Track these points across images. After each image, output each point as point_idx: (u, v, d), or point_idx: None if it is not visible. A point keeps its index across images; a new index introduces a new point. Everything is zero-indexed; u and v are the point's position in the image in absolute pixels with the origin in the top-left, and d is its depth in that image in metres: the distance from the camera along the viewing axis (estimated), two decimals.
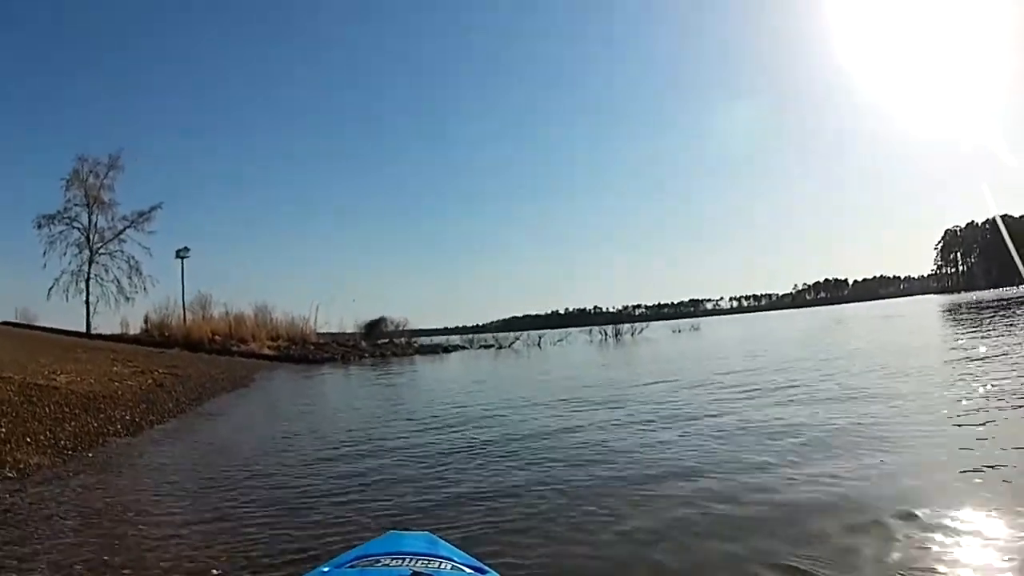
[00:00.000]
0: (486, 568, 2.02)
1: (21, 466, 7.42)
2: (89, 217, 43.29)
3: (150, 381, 16.25)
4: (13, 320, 37.40)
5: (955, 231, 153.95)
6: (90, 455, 8.63)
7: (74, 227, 43.04)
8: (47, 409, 10.44)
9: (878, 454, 6.37)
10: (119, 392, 13.65)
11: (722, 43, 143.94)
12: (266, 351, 34.74)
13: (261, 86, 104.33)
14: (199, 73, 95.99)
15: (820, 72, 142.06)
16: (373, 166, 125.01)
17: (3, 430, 8.57)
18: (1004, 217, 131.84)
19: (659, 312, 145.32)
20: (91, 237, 43.26)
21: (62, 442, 8.82)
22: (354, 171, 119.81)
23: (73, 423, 10.02)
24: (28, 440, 8.47)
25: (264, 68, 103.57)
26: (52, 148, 77.54)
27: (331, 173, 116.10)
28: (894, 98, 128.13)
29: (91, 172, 43.32)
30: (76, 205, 43.13)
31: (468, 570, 1.96)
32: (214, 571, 4.41)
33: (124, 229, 44.23)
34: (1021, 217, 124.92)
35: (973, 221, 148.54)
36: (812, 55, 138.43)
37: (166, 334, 35.00)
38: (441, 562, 1.95)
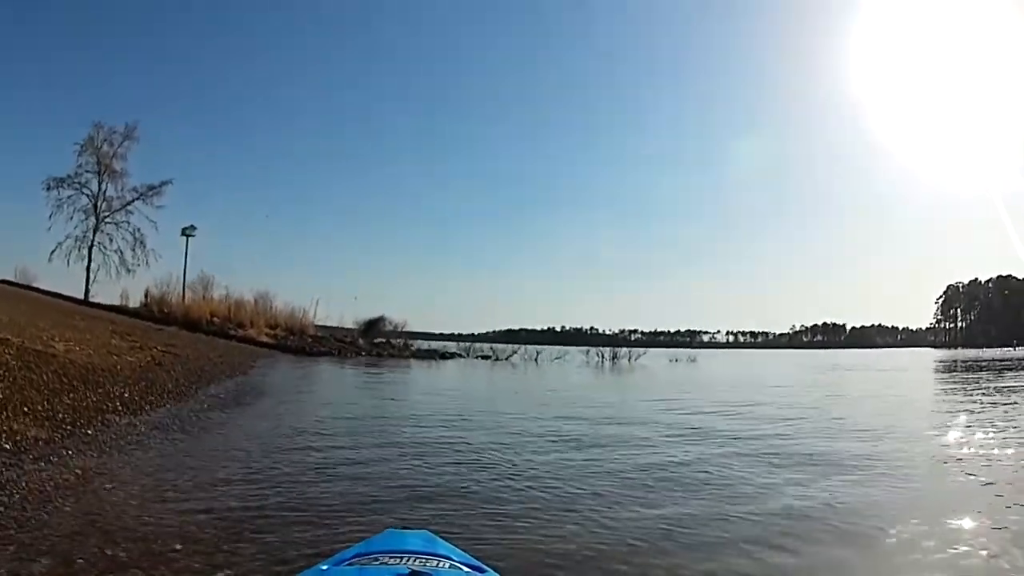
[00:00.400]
0: (484, 567, 2.00)
1: (18, 438, 7.08)
2: (99, 184, 43.46)
3: (149, 358, 15.91)
4: (12, 279, 37.17)
5: (957, 287, 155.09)
6: (89, 432, 8.32)
7: (83, 193, 43.22)
8: (45, 377, 10.08)
9: None
10: (118, 367, 13.28)
11: (742, 76, 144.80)
12: (264, 338, 34.66)
13: (275, 84, 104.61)
14: (221, 61, 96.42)
15: (834, 116, 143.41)
16: (377, 166, 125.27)
17: (1, 396, 8.28)
18: (1008, 278, 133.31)
19: (655, 339, 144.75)
20: (99, 205, 43.41)
21: (60, 415, 8.49)
22: (359, 170, 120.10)
23: (71, 395, 9.68)
24: (26, 410, 8.11)
25: (278, 64, 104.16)
26: (65, 113, 77.86)
27: (336, 171, 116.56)
28: (908, 148, 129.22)
29: (106, 140, 43.56)
30: (87, 171, 43.33)
31: (466, 569, 1.94)
32: (222, 572, 4.28)
33: (133, 200, 44.39)
34: None
35: (976, 279, 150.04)
36: (826, 97, 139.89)
37: (165, 311, 34.88)
38: (440, 560, 1.93)
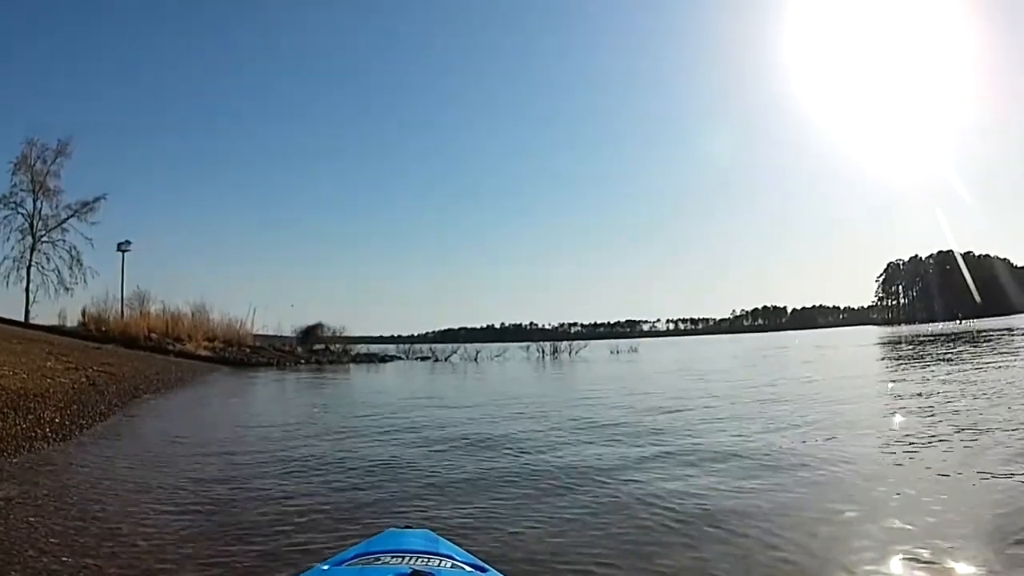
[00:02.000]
0: (486, 566, 2.03)
1: None
2: (34, 203, 43.10)
3: (83, 379, 16.27)
4: None
5: (898, 264, 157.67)
6: (15, 461, 8.64)
7: (19, 212, 42.86)
8: None
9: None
10: (50, 390, 13.62)
11: (684, 75, 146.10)
12: (202, 352, 34.77)
13: (202, 83, 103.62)
14: (147, 68, 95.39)
15: (770, 100, 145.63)
16: (308, 166, 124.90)
17: None
18: (948, 253, 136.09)
19: (595, 331, 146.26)
20: (35, 224, 43.20)
21: None
22: (290, 171, 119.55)
23: (1, 423, 10.04)
24: None
25: (206, 67, 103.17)
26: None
27: (267, 173, 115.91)
28: (844, 130, 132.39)
29: (39, 157, 43.12)
30: (22, 190, 42.92)
31: (468, 568, 1.97)
32: None
33: (68, 218, 44.37)
34: (967, 253, 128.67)
35: (917, 255, 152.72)
36: (769, 88, 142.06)
37: (103, 329, 34.72)
38: (441, 560, 1.96)
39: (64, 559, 5.08)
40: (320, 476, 8.19)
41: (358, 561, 1.93)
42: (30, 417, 11.01)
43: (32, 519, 6.11)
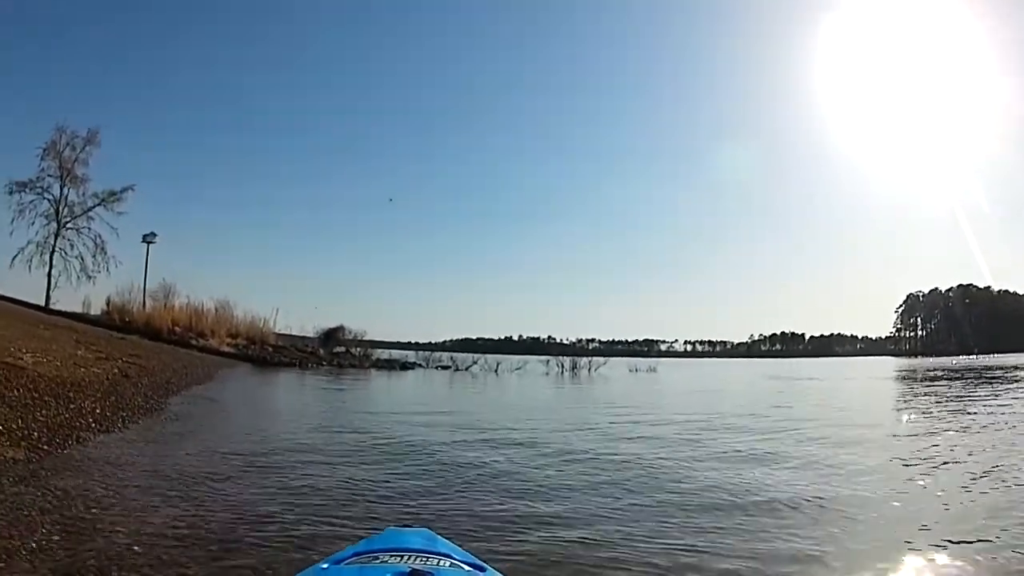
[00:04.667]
0: (485, 565, 2.00)
1: None
2: (61, 189, 43.13)
3: (115, 370, 15.95)
4: None
5: (918, 296, 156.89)
6: (65, 452, 8.39)
7: (45, 198, 42.83)
8: (16, 393, 10.17)
9: None
10: (86, 380, 13.36)
11: (705, 92, 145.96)
12: (225, 348, 34.53)
13: (241, 85, 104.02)
14: (184, 63, 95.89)
15: (796, 128, 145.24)
16: (339, 173, 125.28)
17: None
18: (969, 287, 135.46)
19: (612, 348, 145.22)
20: (60, 210, 43.15)
21: (35, 434, 8.56)
22: (320, 177, 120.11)
23: (44, 411, 9.76)
24: (0, 428, 8.26)
25: (241, 68, 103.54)
26: (27, 114, 76.81)
27: (296, 177, 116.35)
28: (871, 159, 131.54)
29: (68, 144, 43.16)
30: (49, 176, 42.91)
31: (467, 567, 1.95)
32: None
33: (94, 206, 44.29)
34: (986, 288, 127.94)
35: (937, 288, 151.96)
36: (793, 109, 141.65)
37: (127, 319, 34.52)
38: (440, 559, 1.94)
39: (135, 548, 5.16)
40: None
41: (357, 560, 1.91)
42: (71, 407, 10.73)
43: (95, 510, 6.13)
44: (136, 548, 5.18)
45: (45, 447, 8.30)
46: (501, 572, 2.02)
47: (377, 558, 1.87)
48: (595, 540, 5.92)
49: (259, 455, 9.72)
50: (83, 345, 18.86)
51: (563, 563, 5.06)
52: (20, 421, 8.85)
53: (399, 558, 1.86)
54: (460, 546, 2.16)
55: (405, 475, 8.74)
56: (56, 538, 5.27)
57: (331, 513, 6.61)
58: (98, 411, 11.06)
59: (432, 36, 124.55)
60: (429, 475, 8.80)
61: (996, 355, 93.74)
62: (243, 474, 8.35)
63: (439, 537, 2.21)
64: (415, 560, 1.85)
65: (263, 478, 8.16)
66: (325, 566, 1.87)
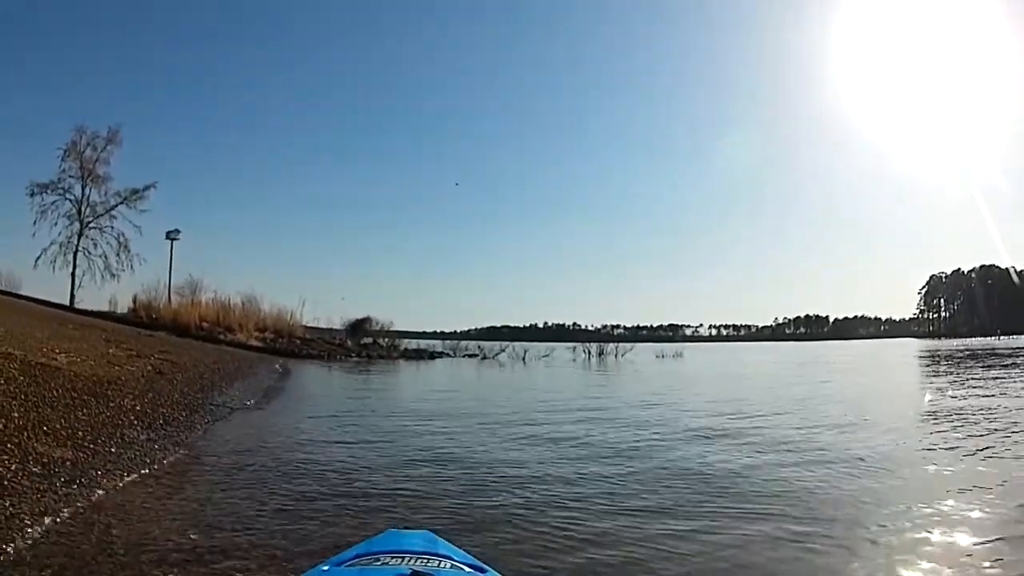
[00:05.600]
0: (485, 567, 2.00)
1: (45, 460, 6.95)
2: (83, 189, 43.56)
3: (149, 367, 15.72)
4: None
5: (940, 277, 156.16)
6: (112, 450, 8.20)
7: (67, 198, 43.34)
8: (55, 393, 9.92)
9: None
10: (121, 377, 13.10)
11: (721, 75, 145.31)
12: (253, 342, 34.41)
13: (263, 79, 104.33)
14: (206, 59, 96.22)
15: (816, 108, 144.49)
16: (362, 165, 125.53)
17: (16, 415, 8.10)
18: (991, 267, 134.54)
19: (637, 334, 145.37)
20: (83, 210, 43.49)
21: (79, 433, 8.34)
22: (343, 170, 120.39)
23: (85, 411, 9.52)
24: (45, 429, 7.99)
25: (262, 63, 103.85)
26: (47, 115, 77.19)
27: (320, 170, 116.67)
28: (891, 140, 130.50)
29: (89, 144, 43.44)
30: (71, 176, 43.39)
31: (468, 569, 1.94)
32: None
33: (116, 205, 44.48)
34: (1009, 269, 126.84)
35: (959, 269, 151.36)
36: (809, 91, 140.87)
37: (153, 316, 34.56)
38: (441, 561, 1.93)
39: (192, 536, 5.34)
40: None
41: (358, 561, 1.90)
42: (111, 405, 10.53)
43: (151, 507, 6.26)
44: (194, 542, 5.22)
45: (91, 446, 8.10)
46: (501, 574, 2.02)
47: (378, 559, 1.88)
48: None
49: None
50: (113, 343, 18.69)
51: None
52: (63, 421, 8.64)
53: (400, 560, 1.86)
54: (461, 547, 2.14)
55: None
56: (115, 532, 5.35)
57: None
58: (138, 408, 10.88)
59: (449, 36, 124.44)
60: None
61: (1018, 336, 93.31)
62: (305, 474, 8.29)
63: (440, 539, 2.21)
64: (415, 562, 1.85)
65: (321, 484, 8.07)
66: (326, 568, 1.89)
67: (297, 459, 9.08)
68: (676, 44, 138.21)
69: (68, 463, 7.18)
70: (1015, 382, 21.79)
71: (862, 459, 9.10)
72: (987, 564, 4.94)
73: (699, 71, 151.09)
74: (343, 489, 7.35)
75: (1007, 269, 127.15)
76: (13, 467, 6.46)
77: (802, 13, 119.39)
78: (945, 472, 8.43)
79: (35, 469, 6.65)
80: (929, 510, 6.37)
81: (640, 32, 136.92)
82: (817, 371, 34.20)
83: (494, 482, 7.83)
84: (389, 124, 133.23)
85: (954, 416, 13.39)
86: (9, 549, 4.75)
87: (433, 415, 14.20)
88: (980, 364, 33.59)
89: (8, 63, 68.29)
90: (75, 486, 6.47)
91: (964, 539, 5.55)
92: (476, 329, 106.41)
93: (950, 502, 6.68)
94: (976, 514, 6.26)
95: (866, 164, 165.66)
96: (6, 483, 6.04)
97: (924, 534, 5.65)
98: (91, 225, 43.78)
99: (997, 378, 23.90)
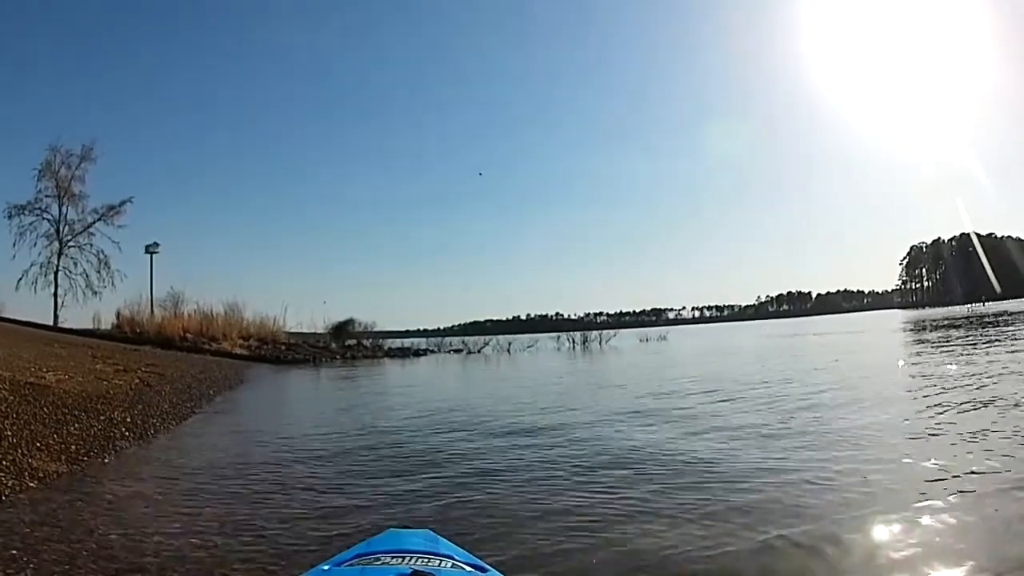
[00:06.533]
0: (486, 566, 2.01)
1: (40, 474, 7.25)
2: (60, 208, 43.12)
3: (136, 380, 15.98)
4: None
5: (921, 247, 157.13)
6: (106, 461, 8.47)
7: (44, 218, 42.88)
8: (45, 410, 10.20)
9: None
10: (110, 392, 13.41)
11: (704, 60, 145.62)
12: (238, 350, 34.42)
13: (233, 82, 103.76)
14: (174, 67, 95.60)
15: (797, 93, 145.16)
16: (334, 165, 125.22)
17: (9, 433, 8.35)
18: (970, 235, 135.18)
19: (621, 320, 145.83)
20: (61, 229, 43.15)
21: (72, 447, 8.62)
22: (314, 171, 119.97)
23: (76, 425, 9.81)
24: (38, 445, 8.28)
25: (229, 67, 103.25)
26: (21, 136, 76.71)
27: (292, 173, 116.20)
28: (866, 117, 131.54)
29: (63, 163, 43.11)
30: (47, 196, 42.98)
31: (468, 568, 1.95)
32: None
33: (94, 222, 44.24)
34: (989, 235, 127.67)
35: (939, 238, 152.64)
36: (791, 76, 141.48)
37: (137, 330, 34.54)
38: (441, 560, 1.94)
39: (192, 542, 5.30)
40: None
41: (358, 561, 1.91)
42: (102, 418, 10.80)
43: (146, 511, 6.33)
44: (193, 543, 5.26)
45: (85, 458, 8.38)
46: (502, 573, 2.03)
47: (378, 559, 1.89)
48: None
49: (292, 454, 9.72)
50: (100, 359, 18.88)
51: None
52: (56, 436, 8.92)
53: (400, 559, 1.87)
54: (461, 546, 2.17)
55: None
56: (113, 537, 5.40)
57: None
58: (128, 420, 11.12)
59: (429, 32, 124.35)
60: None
61: (1006, 301, 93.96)
62: (285, 467, 8.42)
63: (441, 538, 2.22)
64: (416, 561, 1.87)
65: (288, 477, 8.21)
66: (326, 567, 1.90)
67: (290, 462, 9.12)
68: (658, 30, 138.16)
69: (64, 476, 7.48)
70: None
71: None
72: None
73: (682, 56, 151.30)
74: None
75: (989, 235, 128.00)
76: (10, 483, 6.75)
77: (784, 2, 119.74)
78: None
79: (31, 484, 6.94)
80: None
81: (622, 20, 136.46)
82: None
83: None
84: (361, 122, 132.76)
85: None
86: (11, 554, 4.91)
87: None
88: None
89: None
90: (71, 496, 6.69)
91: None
92: (459, 325, 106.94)
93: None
94: None
95: (845, 144, 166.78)
96: (4, 498, 6.35)
97: None
98: (70, 244, 43.57)
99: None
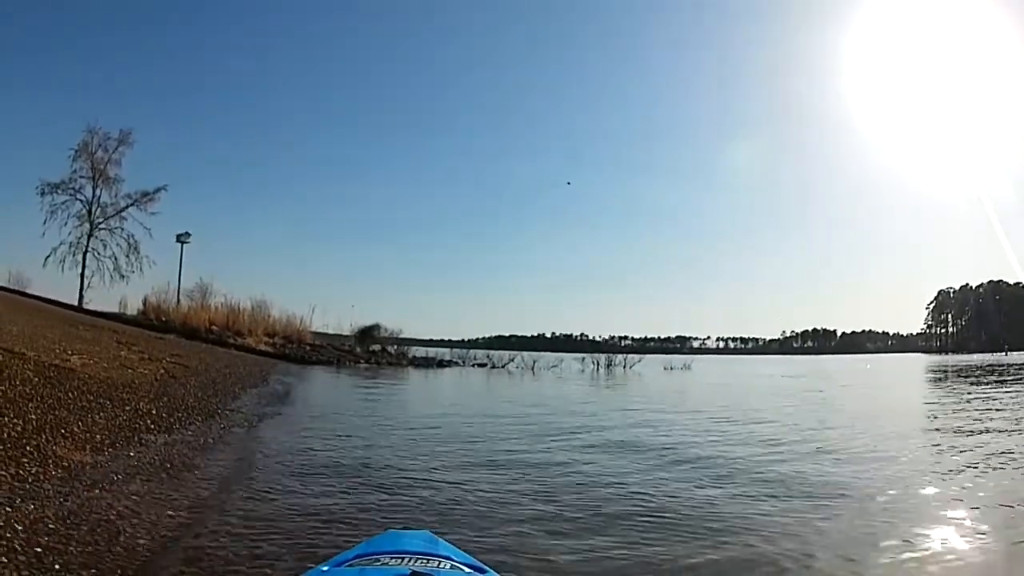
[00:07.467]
0: (485, 567, 1.98)
1: (65, 463, 6.82)
2: (93, 190, 43.22)
3: (161, 370, 15.62)
4: (5, 285, 36.68)
5: (948, 292, 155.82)
6: (131, 454, 8.07)
7: (77, 198, 42.97)
8: (70, 395, 9.85)
9: None
10: (135, 381, 13.06)
11: (732, 88, 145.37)
12: (262, 347, 34.37)
13: (281, 81, 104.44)
14: (220, 60, 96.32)
15: (826, 123, 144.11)
16: (372, 172, 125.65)
17: (33, 417, 7.96)
18: (999, 283, 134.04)
19: (645, 345, 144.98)
20: (93, 211, 43.21)
21: (97, 436, 8.24)
22: (353, 177, 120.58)
23: (101, 413, 9.44)
24: (63, 432, 7.87)
25: (272, 67, 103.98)
26: (59, 114, 77.28)
27: (331, 177, 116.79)
28: (900, 156, 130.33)
29: (100, 145, 43.25)
30: (82, 177, 43.08)
31: (467, 569, 1.91)
32: None
33: (127, 207, 44.26)
34: (1016, 284, 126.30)
35: (968, 284, 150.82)
36: (820, 102, 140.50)
37: (163, 319, 34.48)
38: (440, 561, 1.91)
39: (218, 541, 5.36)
40: None
41: (358, 562, 1.87)
42: (127, 408, 10.44)
43: (172, 513, 6.14)
44: (218, 542, 5.30)
45: (110, 449, 8.00)
46: (501, 574, 2.01)
47: (378, 560, 1.86)
48: None
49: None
50: (125, 346, 18.64)
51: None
52: (80, 424, 8.55)
53: (400, 560, 1.84)
54: (460, 547, 2.12)
55: None
56: (141, 541, 5.23)
57: None
58: (154, 412, 10.74)
59: (463, 47, 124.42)
60: None
61: None
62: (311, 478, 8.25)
63: (440, 539, 2.20)
64: (415, 562, 1.83)
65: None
66: (326, 568, 1.85)
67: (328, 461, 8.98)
68: (697, 54, 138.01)
69: (88, 467, 7.05)
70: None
71: None
72: None
73: (717, 80, 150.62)
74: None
75: (1016, 284, 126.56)
76: (34, 470, 6.34)
77: (814, 22, 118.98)
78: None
79: (55, 473, 6.51)
80: None
81: (645, 40, 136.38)
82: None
83: None
84: (403, 133, 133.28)
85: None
86: (36, 551, 4.63)
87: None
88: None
89: (18, 61, 67.94)
90: (97, 490, 6.30)
91: None
92: (484, 338, 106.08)
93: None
94: None
95: (876, 177, 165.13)
96: (28, 486, 5.91)
97: None
98: (101, 226, 43.58)
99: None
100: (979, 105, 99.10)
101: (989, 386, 29.67)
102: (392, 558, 1.85)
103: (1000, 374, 39.46)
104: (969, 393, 26.13)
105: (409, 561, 1.82)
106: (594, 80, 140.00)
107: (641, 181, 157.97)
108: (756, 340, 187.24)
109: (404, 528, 2.78)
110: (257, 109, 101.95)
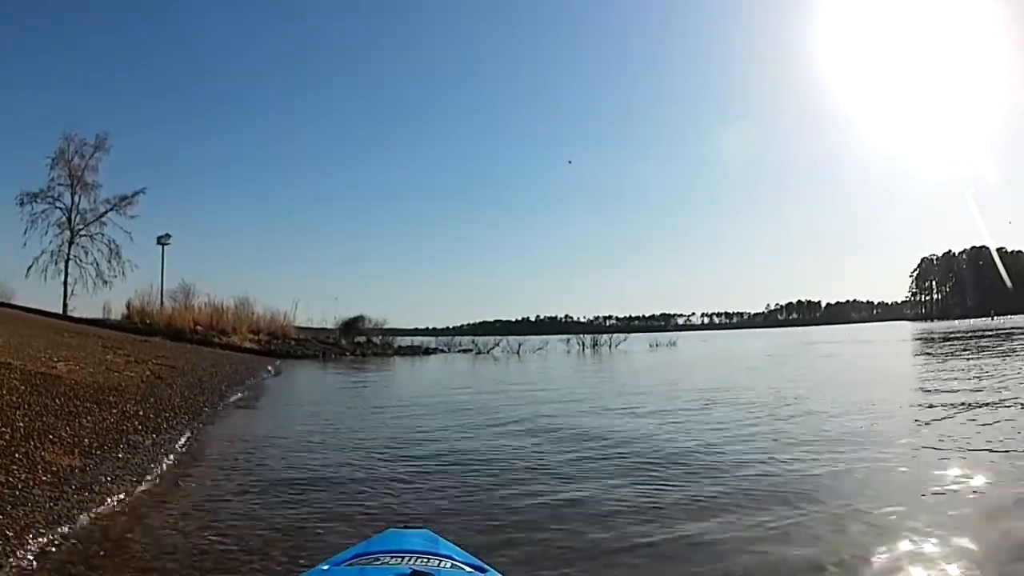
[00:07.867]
0: (486, 566, 2.00)
1: (54, 468, 6.97)
2: (72, 197, 43.12)
3: (148, 373, 15.79)
4: None
5: (931, 259, 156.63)
6: (120, 456, 8.22)
7: (56, 207, 42.86)
8: (57, 401, 9.95)
9: None
10: (121, 384, 13.17)
11: (718, 65, 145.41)
12: (248, 344, 34.50)
13: (253, 80, 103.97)
14: (190, 61, 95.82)
15: (810, 99, 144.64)
16: (349, 164, 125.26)
17: (21, 425, 8.13)
18: (982, 248, 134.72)
19: (630, 324, 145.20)
20: (73, 218, 43.15)
21: (85, 440, 8.36)
22: (330, 170, 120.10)
23: (89, 418, 9.55)
24: (51, 437, 8.03)
25: (245, 64, 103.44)
26: (36, 126, 76.83)
27: (306, 171, 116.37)
28: (879, 127, 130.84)
29: (76, 152, 43.12)
30: (60, 184, 43.02)
31: (468, 568, 1.94)
32: None
33: (106, 212, 44.24)
34: (999, 249, 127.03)
35: (950, 251, 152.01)
36: (804, 82, 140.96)
37: (147, 321, 34.54)
38: (441, 560, 1.93)
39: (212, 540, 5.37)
40: None
41: (358, 561, 1.90)
42: (114, 411, 10.56)
43: (166, 513, 6.28)
44: (213, 540, 5.33)
45: (98, 452, 8.13)
46: (502, 573, 2.03)
47: (378, 559, 1.88)
48: None
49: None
50: (110, 350, 18.74)
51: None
52: (68, 428, 8.66)
53: (400, 559, 1.87)
54: (461, 546, 2.14)
55: None
56: (137, 542, 5.36)
57: None
58: (141, 414, 10.88)
59: (438, 35, 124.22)
60: None
61: (1016, 315, 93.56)
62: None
63: (440, 538, 2.20)
64: (416, 561, 1.86)
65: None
66: (326, 567, 1.88)
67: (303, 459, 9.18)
68: (675, 34, 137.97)
69: (77, 470, 7.21)
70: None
71: None
72: None
73: (697, 60, 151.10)
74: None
75: (999, 249, 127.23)
76: (23, 476, 6.50)
77: (797, 5, 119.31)
78: None
79: (45, 478, 6.69)
80: None
81: (637, 23, 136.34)
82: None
83: None
84: (376, 122, 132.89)
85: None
86: (27, 559, 4.78)
87: None
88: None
89: None
90: (86, 493, 6.47)
91: None
92: (469, 324, 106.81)
93: None
94: None
95: (857, 152, 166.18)
96: (18, 492, 6.09)
97: None
98: (82, 233, 43.51)
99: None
100: (959, 82, 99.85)
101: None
102: (392, 557, 1.88)
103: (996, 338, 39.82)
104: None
105: (409, 560, 1.86)
106: (585, 61, 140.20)
107: (628, 161, 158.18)
108: (741, 314, 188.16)
109: (404, 527, 2.60)
110: (233, 108, 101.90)
